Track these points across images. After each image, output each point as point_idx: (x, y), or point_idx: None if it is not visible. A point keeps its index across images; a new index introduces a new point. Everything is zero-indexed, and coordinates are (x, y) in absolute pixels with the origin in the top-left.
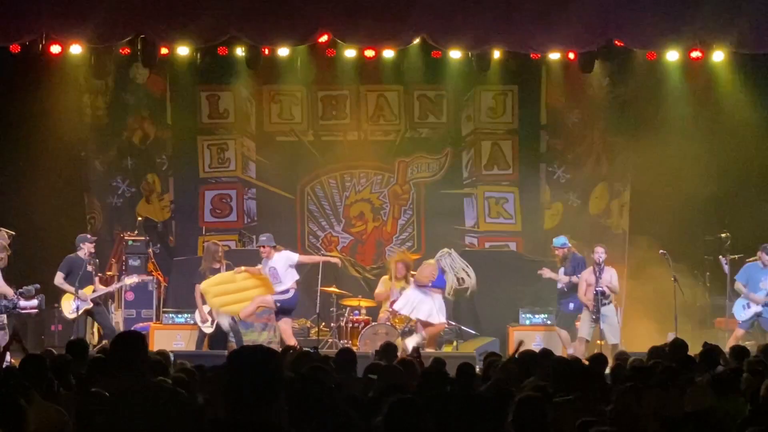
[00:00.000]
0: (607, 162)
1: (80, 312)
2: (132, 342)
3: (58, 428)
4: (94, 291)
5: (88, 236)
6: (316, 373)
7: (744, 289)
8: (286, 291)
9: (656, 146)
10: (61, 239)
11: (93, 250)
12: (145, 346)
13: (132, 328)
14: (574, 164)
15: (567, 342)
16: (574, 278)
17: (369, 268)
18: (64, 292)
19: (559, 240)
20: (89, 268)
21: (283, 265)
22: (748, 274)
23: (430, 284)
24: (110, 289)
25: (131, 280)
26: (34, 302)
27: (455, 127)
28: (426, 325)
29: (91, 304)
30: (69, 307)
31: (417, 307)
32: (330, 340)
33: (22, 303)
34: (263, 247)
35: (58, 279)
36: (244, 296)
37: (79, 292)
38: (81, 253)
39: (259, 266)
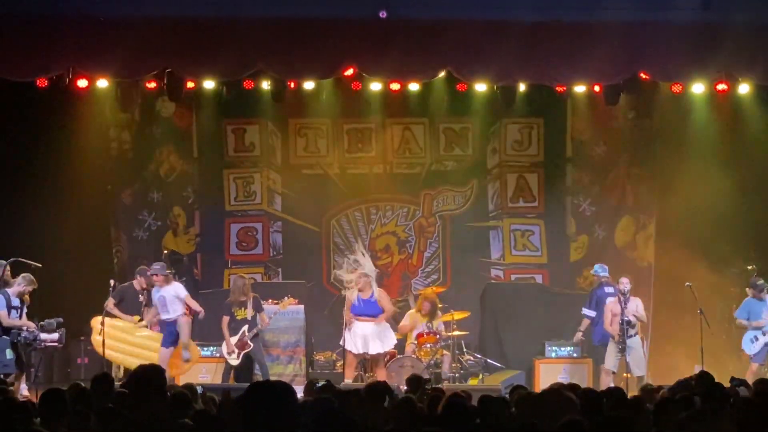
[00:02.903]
0: (632, 194)
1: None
2: (148, 376)
3: None
4: (140, 320)
5: (147, 271)
6: (329, 403)
7: (746, 322)
8: (174, 321)
9: (682, 179)
10: (87, 272)
11: (145, 285)
12: (162, 380)
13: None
14: (600, 197)
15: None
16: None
17: (395, 300)
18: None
19: (601, 268)
20: (140, 298)
21: (172, 296)
22: (748, 309)
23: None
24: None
25: None
26: (55, 336)
27: (481, 159)
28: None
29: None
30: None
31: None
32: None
33: (43, 336)
34: (156, 275)
35: (109, 305)
36: (138, 353)
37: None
38: (136, 284)
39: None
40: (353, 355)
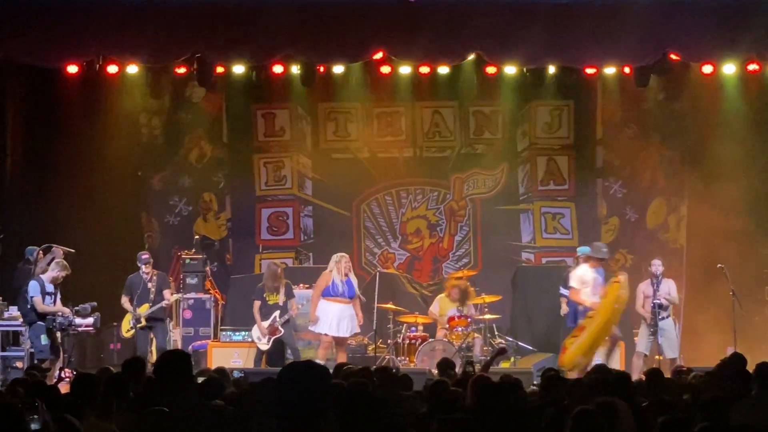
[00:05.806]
0: (663, 176)
1: (135, 329)
2: (175, 362)
3: None
4: (150, 308)
5: (142, 256)
6: (364, 387)
7: None
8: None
9: (713, 160)
10: (118, 258)
11: (148, 270)
12: (189, 365)
13: (190, 346)
14: (631, 179)
15: None
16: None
17: (426, 284)
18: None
19: (584, 249)
20: (149, 286)
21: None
22: None
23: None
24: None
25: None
26: (90, 320)
27: (511, 142)
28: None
29: (144, 323)
30: (126, 325)
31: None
32: (387, 357)
33: (78, 320)
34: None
35: (123, 300)
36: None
37: (136, 311)
38: (141, 272)
39: None
40: (324, 337)
